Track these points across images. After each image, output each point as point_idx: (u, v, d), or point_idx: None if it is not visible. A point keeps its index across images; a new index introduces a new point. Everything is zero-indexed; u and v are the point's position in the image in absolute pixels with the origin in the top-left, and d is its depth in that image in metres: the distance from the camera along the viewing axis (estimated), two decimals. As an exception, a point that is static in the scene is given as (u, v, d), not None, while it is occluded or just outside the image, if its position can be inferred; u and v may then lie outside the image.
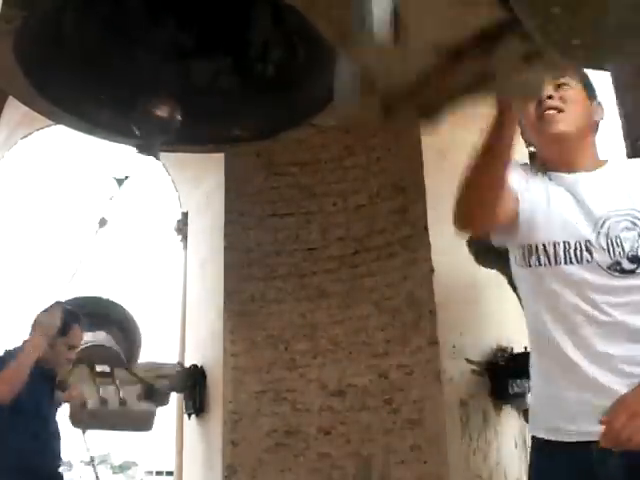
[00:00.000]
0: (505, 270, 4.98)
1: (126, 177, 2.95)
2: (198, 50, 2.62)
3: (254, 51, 2.67)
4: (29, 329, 3.43)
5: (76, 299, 6.04)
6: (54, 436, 3.65)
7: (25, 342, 3.41)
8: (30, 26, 2.01)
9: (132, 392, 6.16)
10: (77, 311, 3.84)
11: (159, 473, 33.24)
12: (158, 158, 2.92)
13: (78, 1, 2.38)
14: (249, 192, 6.82)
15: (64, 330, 3.58)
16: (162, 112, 2.76)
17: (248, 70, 2.71)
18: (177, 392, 6.88)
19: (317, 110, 2.58)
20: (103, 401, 5.95)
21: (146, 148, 2.86)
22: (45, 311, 3.39)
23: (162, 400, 6.38)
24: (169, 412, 7.22)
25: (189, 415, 6.90)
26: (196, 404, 6.77)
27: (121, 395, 6.04)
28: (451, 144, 6.27)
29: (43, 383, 3.58)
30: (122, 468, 39.88)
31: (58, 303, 3.41)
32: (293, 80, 2.66)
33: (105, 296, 6.58)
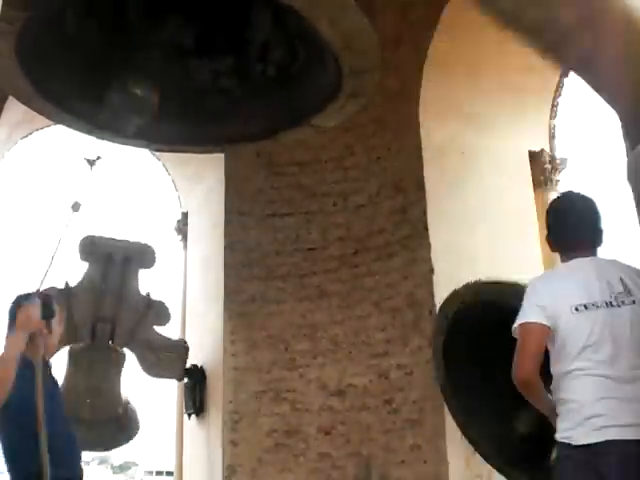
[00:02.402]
0: None
1: (98, 157, 2.89)
2: (199, 50, 2.63)
3: (254, 52, 2.67)
4: (8, 323, 3.40)
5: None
6: (64, 435, 3.61)
7: (6, 339, 3.34)
8: (32, 27, 2.01)
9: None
10: (50, 294, 3.77)
11: (159, 473, 33.24)
12: (131, 137, 2.87)
13: (79, 3, 2.38)
14: (249, 192, 6.82)
15: (51, 313, 3.50)
16: (138, 91, 2.73)
17: (248, 70, 2.71)
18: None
19: (317, 110, 2.58)
20: None
21: (119, 127, 2.82)
22: (24, 303, 3.30)
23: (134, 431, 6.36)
24: (169, 412, 7.22)
25: (189, 415, 6.90)
26: (196, 404, 6.77)
27: None
28: (451, 144, 6.27)
29: (45, 377, 3.56)
30: (122, 468, 39.89)
31: (35, 294, 3.29)
32: (294, 81, 2.66)
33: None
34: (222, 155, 6.84)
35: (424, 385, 5.62)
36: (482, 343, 4.34)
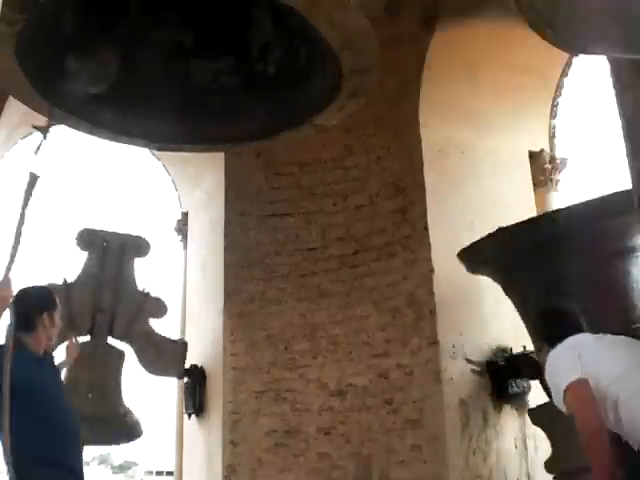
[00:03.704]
0: (495, 278, 5.06)
1: (50, 125, 2.86)
2: (199, 50, 2.62)
3: (255, 52, 2.67)
4: None
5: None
6: (70, 421, 3.64)
7: None
8: (32, 28, 2.01)
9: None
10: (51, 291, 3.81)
11: (159, 473, 33.22)
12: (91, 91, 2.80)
13: (79, 4, 2.38)
14: (249, 192, 6.82)
15: (53, 306, 3.52)
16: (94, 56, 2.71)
17: (249, 70, 2.71)
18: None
19: (317, 110, 2.58)
20: None
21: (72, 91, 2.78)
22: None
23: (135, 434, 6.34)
24: (169, 412, 7.22)
25: (189, 415, 6.90)
26: (196, 404, 6.77)
27: None
28: (451, 144, 6.27)
29: (50, 369, 3.59)
30: (122, 468, 39.87)
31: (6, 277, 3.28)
32: (294, 80, 2.66)
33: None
34: (222, 155, 6.84)
35: (424, 385, 5.62)
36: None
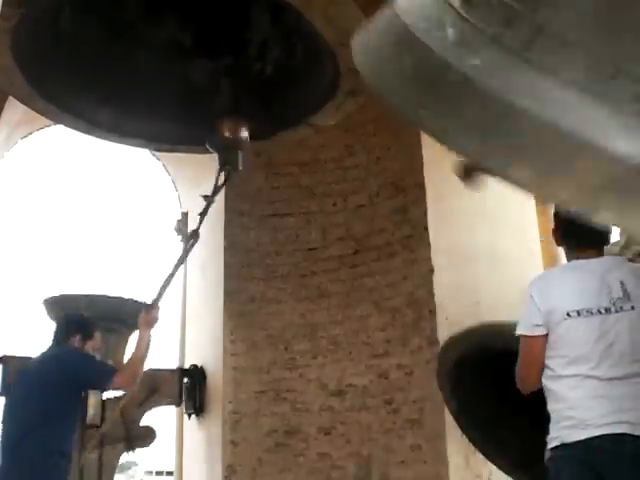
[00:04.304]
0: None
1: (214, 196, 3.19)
2: (197, 50, 2.62)
3: (253, 51, 2.67)
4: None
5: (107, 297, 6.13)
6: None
7: (139, 337, 3.93)
8: (28, 24, 2.01)
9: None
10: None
11: (159, 473, 33.22)
12: (238, 170, 3.11)
13: (77, 1, 2.38)
14: (249, 192, 6.81)
15: (91, 334, 3.99)
16: (229, 133, 2.88)
17: (247, 70, 2.71)
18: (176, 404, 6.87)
19: (316, 109, 2.58)
20: None
21: (227, 162, 3.01)
22: (146, 307, 3.83)
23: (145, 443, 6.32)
24: (169, 412, 7.21)
25: (189, 415, 6.89)
26: (196, 404, 6.77)
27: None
28: (451, 144, 6.26)
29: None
30: (122, 468, 39.89)
31: (144, 304, 3.85)
32: (292, 79, 2.65)
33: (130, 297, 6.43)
34: (222, 155, 6.83)
35: (424, 385, 5.62)
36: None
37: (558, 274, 3.01)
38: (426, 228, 5.87)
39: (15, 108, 5.66)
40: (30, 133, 7.37)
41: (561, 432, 2.59)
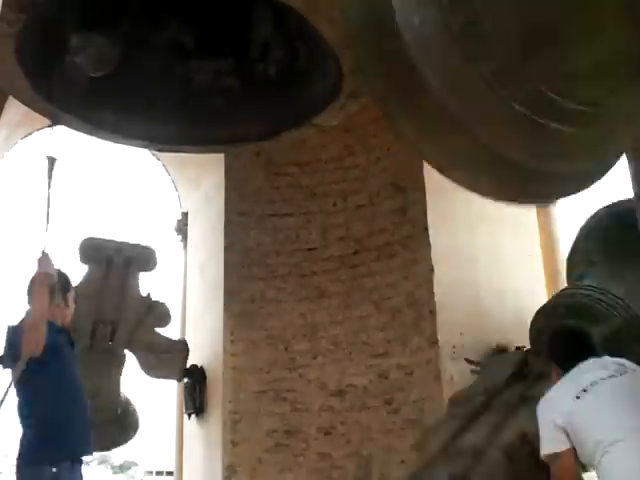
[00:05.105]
0: None
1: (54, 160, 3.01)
2: (199, 51, 2.62)
3: (255, 52, 2.67)
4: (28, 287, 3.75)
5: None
6: (81, 391, 3.87)
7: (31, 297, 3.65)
8: (31, 28, 2.01)
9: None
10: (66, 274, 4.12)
11: (159, 473, 33.18)
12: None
13: (79, 4, 2.38)
14: (249, 192, 6.81)
15: (66, 288, 3.94)
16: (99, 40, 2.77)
17: (249, 71, 2.71)
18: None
19: (318, 110, 2.57)
20: None
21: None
22: (38, 265, 3.56)
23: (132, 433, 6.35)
24: (169, 412, 7.22)
25: (189, 415, 6.90)
26: (196, 404, 6.77)
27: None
28: (451, 144, 6.27)
29: (65, 342, 3.87)
30: (122, 468, 39.81)
31: (44, 254, 3.54)
32: (294, 81, 2.65)
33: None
34: (222, 155, 6.83)
35: (424, 385, 5.62)
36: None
37: (554, 386, 3.15)
38: (426, 228, 5.88)
39: (15, 108, 5.66)
40: (30, 133, 7.37)
41: None
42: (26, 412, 3.57)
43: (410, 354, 5.79)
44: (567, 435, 2.80)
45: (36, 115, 4.40)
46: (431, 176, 6.04)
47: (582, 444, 2.77)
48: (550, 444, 2.85)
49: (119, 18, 2.60)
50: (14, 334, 3.57)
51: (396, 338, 5.90)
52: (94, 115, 2.75)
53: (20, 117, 6.36)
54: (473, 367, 5.63)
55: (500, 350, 5.75)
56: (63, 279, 3.94)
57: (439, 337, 5.62)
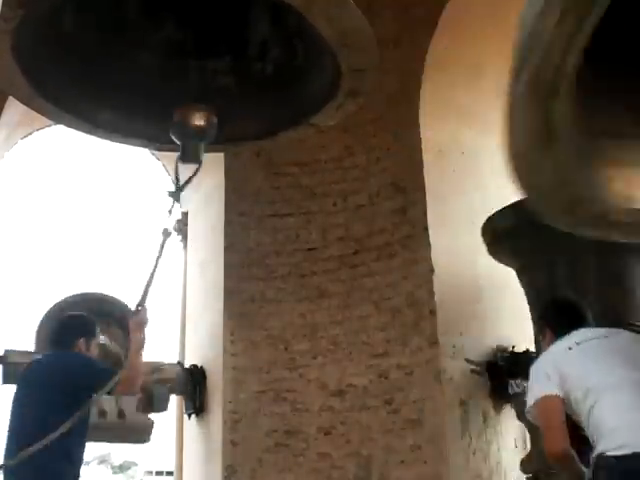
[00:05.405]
0: (514, 265, 4.99)
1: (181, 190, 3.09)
2: (196, 50, 2.61)
3: (253, 50, 2.66)
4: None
5: (82, 295, 6.14)
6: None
7: (131, 342, 3.83)
8: (29, 25, 2.01)
9: (131, 402, 6.12)
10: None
11: (159, 473, 33.27)
12: (199, 162, 3.00)
13: (77, 1, 2.38)
14: (249, 192, 6.81)
15: (94, 333, 4.01)
16: (198, 121, 2.80)
17: (247, 70, 2.70)
18: (177, 394, 6.88)
19: (316, 109, 2.57)
20: (102, 413, 5.97)
21: (189, 155, 2.92)
22: (133, 311, 3.71)
23: (161, 406, 6.34)
24: (169, 412, 7.21)
25: (189, 415, 6.90)
26: (196, 404, 6.77)
27: (120, 406, 6.03)
28: (451, 144, 6.27)
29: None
30: (122, 468, 39.90)
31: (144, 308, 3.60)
32: (292, 79, 2.65)
33: (107, 293, 6.62)
34: (222, 155, 6.83)
35: (424, 385, 5.62)
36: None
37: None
38: (426, 228, 5.87)
39: (15, 108, 5.66)
40: (30, 133, 7.38)
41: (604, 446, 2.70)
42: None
43: (410, 354, 5.78)
44: (557, 385, 2.80)
45: (36, 115, 4.38)
46: (431, 176, 6.05)
47: (572, 391, 2.77)
48: (537, 391, 2.86)
49: (117, 16, 2.60)
50: (104, 369, 3.78)
51: (396, 338, 5.90)
52: (93, 114, 2.75)
53: (20, 117, 6.37)
54: (473, 367, 5.64)
55: (500, 350, 5.76)
56: (88, 325, 4.16)
57: (439, 337, 5.62)
